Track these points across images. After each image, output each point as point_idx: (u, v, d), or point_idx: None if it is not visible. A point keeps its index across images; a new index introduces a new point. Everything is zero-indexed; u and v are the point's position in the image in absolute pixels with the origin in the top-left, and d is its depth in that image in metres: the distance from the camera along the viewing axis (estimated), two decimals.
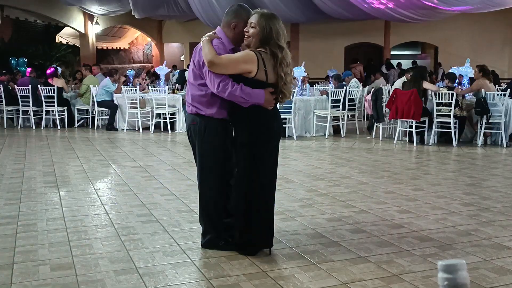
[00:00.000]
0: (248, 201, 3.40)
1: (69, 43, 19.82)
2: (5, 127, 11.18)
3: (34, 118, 11.13)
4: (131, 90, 10.40)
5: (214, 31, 3.50)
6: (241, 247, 3.48)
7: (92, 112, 11.25)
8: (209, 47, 3.28)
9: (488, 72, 9.05)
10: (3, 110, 11.27)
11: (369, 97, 9.85)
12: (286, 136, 9.52)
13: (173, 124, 10.44)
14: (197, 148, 3.51)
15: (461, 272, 1.31)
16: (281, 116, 3.72)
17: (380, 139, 9.33)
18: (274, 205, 3.54)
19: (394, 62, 18.01)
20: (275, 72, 3.30)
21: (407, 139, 8.99)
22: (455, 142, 8.52)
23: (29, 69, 11.90)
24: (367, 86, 11.79)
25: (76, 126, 11.35)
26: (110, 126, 10.67)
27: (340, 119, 9.90)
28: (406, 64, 17.18)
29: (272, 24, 3.27)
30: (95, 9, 16.29)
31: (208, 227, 3.58)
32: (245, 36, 3.34)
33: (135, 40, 23.38)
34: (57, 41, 19.38)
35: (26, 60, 14.60)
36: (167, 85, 11.44)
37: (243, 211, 3.43)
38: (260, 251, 3.47)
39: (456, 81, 9.60)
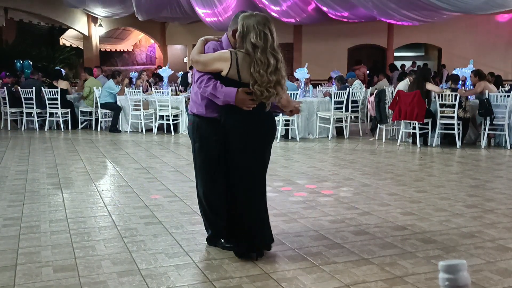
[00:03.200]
0: (231, 200, 3.46)
1: (73, 45, 19.84)
2: (9, 129, 11.21)
3: (37, 120, 11.16)
4: (134, 92, 10.43)
5: (220, 37, 3.56)
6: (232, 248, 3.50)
7: (95, 114, 11.28)
8: (198, 46, 3.39)
9: (484, 75, 9.06)
10: (7, 112, 11.31)
11: (372, 98, 9.84)
12: (289, 137, 9.53)
13: (176, 126, 10.45)
14: (191, 146, 3.60)
15: (462, 273, 1.30)
16: (276, 118, 3.67)
17: (383, 140, 9.32)
18: (254, 211, 3.41)
19: (398, 63, 17.99)
20: (249, 70, 3.25)
21: (411, 140, 8.97)
22: (458, 144, 8.50)
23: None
24: (370, 88, 11.78)
25: (79, 128, 11.38)
26: (113, 128, 10.69)
27: (343, 121, 9.89)
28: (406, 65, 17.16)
29: (248, 24, 3.23)
30: (99, 11, 16.32)
31: (206, 224, 3.67)
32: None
33: (138, 42, 23.41)
34: (60, 43, 19.39)
35: (31, 62, 14.65)
36: (170, 86, 11.47)
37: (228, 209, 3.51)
38: (243, 254, 3.41)
39: (460, 82, 9.58)
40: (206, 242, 3.71)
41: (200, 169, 3.54)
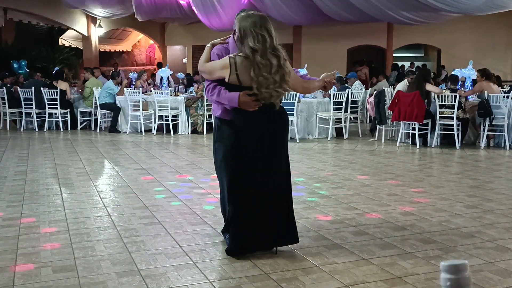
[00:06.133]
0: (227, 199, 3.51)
1: (72, 46, 19.83)
2: (8, 129, 11.20)
3: (37, 121, 11.15)
4: (133, 92, 10.43)
5: (226, 38, 3.64)
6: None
7: (95, 115, 11.28)
8: (205, 53, 3.50)
9: (490, 74, 9.04)
10: (6, 112, 11.30)
11: (371, 99, 9.84)
12: (289, 138, 9.51)
13: (175, 127, 10.45)
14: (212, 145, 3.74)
15: (464, 273, 1.30)
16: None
17: (383, 141, 9.32)
18: (245, 214, 3.41)
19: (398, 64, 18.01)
20: (249, 74, 3.27)
21: (410, 141, 8.98)
22: (458, 144, 8.50)
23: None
24: (370, 89, 11.77)
25: (79, 128, 11.37)
26: (113, 128, 10.68)
27: (343, 121, 9.89)
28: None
29: (245, 27, 3.27)
30: (98, 11, 16.31)
31: (224, 219, 3.77)
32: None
33: (137, 42, 23.40)
34: (60, 43, 19.39)
35: (26, 62, 14.63)
36: (169, 87, 11.46)
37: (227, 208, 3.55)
38: (235, 254, 3.45)
39: (459, 83, 9.58)
40: (205, 243, 3.74)
41: (220, 167, 3.59)
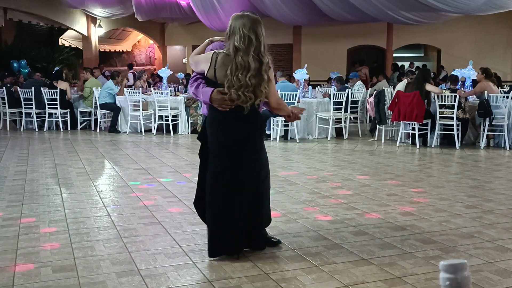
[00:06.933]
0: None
1: (72, 46, 19.83)
2: (8, 129, 11.20)
3: (37, 121, 11.15)
4: (133, 92, 10.43)
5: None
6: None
7: (94, 115, 11.28)
8: (199, 47, 3.53)
9: (491, 74, 9.06)
10: (6, 112, 11.29)
11: (371, 99, 9.85)
12: (289, 138, 9.54)
13: (175, 127, 10.45)
14: None
15: (463, 272, 1.30)
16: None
17: (383, 141, 9.32)
18: (221, 216, 3.37)
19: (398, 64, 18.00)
20: (226, 71, 3.25)
21: (410, 141, 8.98)
22: (458, 145, 8.50)
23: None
24: (370, 89, 11.77)
25: (78, 128, 11.37)
26: (113, 128, 10.69)
27: (343, 121, 9.89)
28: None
29: (234, 25, 3.24)
30: (98, 12, 16.31)
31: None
32: None
33: (137, 42, 23.40)
34: (60, 43, 19.38)
35: (26, 62, 14.63)
36: (169, 87, 11.46)
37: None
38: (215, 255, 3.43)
39: (459, 83, 9.59)
40: (205, 243, 3.71)
41: (200, 164, 3.59)
